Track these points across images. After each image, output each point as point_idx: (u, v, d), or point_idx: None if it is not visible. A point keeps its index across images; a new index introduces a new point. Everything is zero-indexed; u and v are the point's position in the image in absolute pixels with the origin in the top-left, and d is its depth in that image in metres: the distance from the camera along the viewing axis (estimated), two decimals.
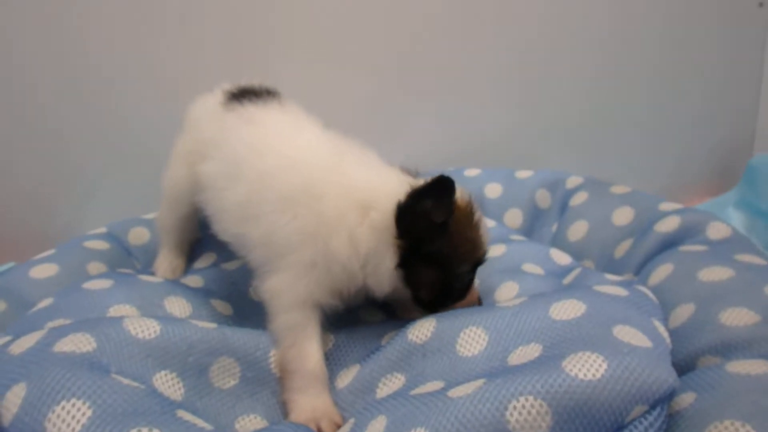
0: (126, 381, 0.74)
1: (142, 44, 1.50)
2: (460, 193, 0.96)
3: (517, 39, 1.75)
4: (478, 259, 0.99)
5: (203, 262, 1.31)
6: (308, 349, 0.93)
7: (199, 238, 1.37)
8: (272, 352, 0.94)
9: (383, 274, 0.94)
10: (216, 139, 1.10)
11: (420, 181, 0.94)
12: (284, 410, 0.91)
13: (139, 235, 1.41)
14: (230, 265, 1.24)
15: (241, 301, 1.17)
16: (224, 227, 1.07)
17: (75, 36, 1.46)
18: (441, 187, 0.89)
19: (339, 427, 0.87)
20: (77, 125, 1.53)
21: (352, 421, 0.84)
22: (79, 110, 1.52)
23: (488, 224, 1.35)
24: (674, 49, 1.88)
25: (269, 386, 0.93)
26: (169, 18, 1.50)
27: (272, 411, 0.92)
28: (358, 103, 1.64)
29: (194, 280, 1.22)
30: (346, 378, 0.95)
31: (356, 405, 0.90)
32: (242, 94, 1.15)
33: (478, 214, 0.98)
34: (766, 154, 1.84)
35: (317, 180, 0.96)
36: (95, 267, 1.24)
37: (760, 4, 1.90)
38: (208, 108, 1.18)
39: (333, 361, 0.99)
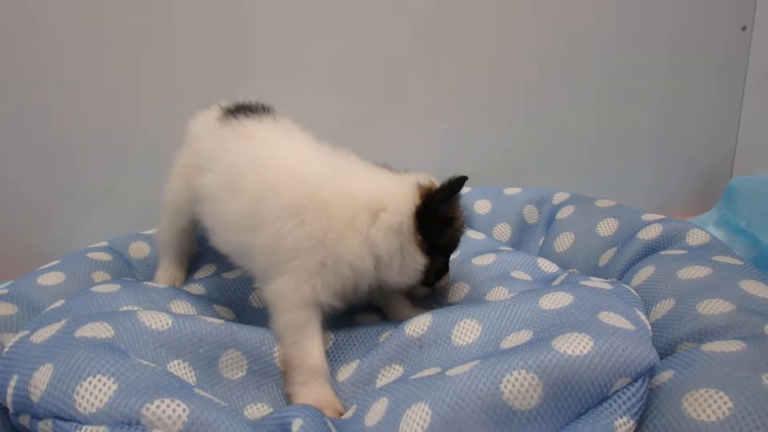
0: (146, 363, 0.78)
1: (143, 66, 1.56)
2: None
3: (506, 65, 1.81)
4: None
5: (203, 272, 1.35)
6: (310, 346, 0.98)
7: (197, 252, 1.41)
8: (276, 348, 0.99)
9: (411, 269, 1.03)
10: (214, 153, 1.14)
11: (421, 179, 1.03)
12: (288, 402, 0.96)
13: (139, 249, 1.43)
14: (230, 275, 1.28)
15: (242, 307, 1.21)
16: (225, 238, 1.11)
17: (75, 56, 1.51)
18: (455, 187, 0.99)
19: (341, 415, 0.91)
20: (76, 145, 1.57)
21: (354, 407, 0.89)
22: (77, 130, 1.57)
23: (478, 237, 1.42)
24: (657, 73, 1.93)
25: (274, 379, 0.98)
26: (170, 43, 1.55)
27: (278, 401, 0.96)
28: (347, 125, 1.69)
29: (196, 288, 1.26)
30: (346, 372, 1.00)
31: (357, 395, 0.95)
32: (238, 110, 1.20)
33: (460, 201, 1.08)
34: (744, 176, 1.91)
35: (321, 187, 1.01)
36: (100, 276, 1.26)
37: (743, 28, 1.96)
38: (205, 123, 1.23)
39: (333, 358, 1.04)
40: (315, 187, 1.01)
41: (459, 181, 0.98)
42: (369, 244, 0.99)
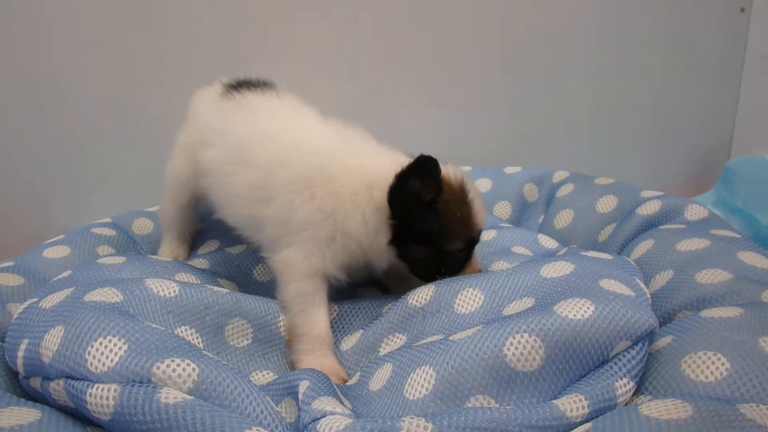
0: (155, 326, 0.80)
1: (144, 48, 1.56)
2: (453, 173, 1.02)
3: (506, 50, 1.82)
4: (471, 238, 1.04)
5: (207, 248, 1.37)
6: (316, 315, 1.00)
7: (200, 229, 1.43)
8: (280, 317, 1.01)
9: (380, 249, 1.02)
10: (218, 127, 1.15)
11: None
12: (293, 370, 0.97)
13: (142, 226, 1.45)
14: (234, 249, 1.29)
15: (246, 282, 1.23)
16: (233, 210, 1.13)
17: (78, 34, 1.51)
18: (425, 166, 0.96)
19: (345, 382, 0.93)
20: (76, 128, 1.58)
21: (358, 374, 0.91)
22: (78, 113, 1.57)
23: None
24: (656, 55, 1.94)
25: (278, 348, 1.00)
26: (172, 21, 1.56)
27: (283, 369, 0.98)
28: (350, 106, 1.67)
29: (200, 263, 1.27)
30: (350, 342, 1.02)
31: (360, 363, 0.97)
32: (241, 85, 1.22)
33: (472, 194, 1.03)
34: (742, 157, 1.92)
35: (330, 162, 1.02)
36: (104, 250, 1.28)
37: (742, 10, 1.97)
38: (208, 99, 1.24)
39: (337, 329, 1.06)
40: (323, 161, 1.02)
41: (424, 159, 0.95)
42: (365, 221, 1.00)
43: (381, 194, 0.99)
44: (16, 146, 1.55)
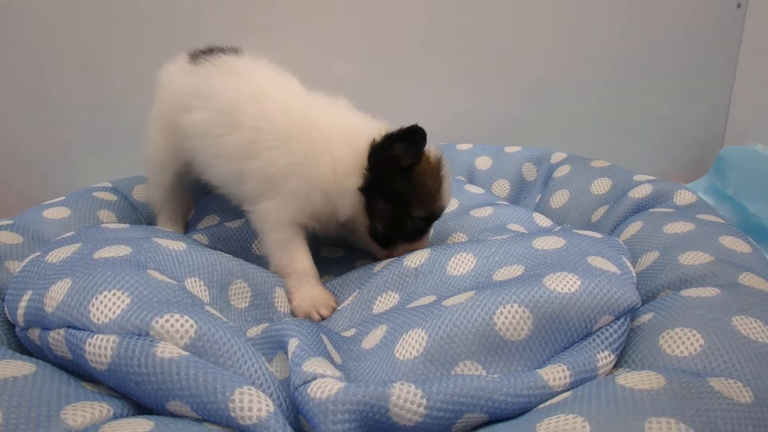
0: (161, 277, 0.82)
1: (139, 12, 1.59)
2: (433, 150, 1.10)
3: (511, 32, 1.84)
4: (433, 211, 1.12)
5: (205, 223, 1.38)
6: (297, 255, 1.09)
7: (197, 205, 1.45)
8: (276, 291, 1.06)
9: (348, 191, 1.08)
10: (198, 90, 1.17)
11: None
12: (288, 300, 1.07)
13: (142, 193, 1.44)
14: (233, 224, 1.31)
15: (244, 256, 1.22)
16: (222, 168, 1.16)
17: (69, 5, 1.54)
18: (416, 135, 1.03)
19: (334, 309, 1.04)
20: (73, 88, 1.61)
21: (353, 330, 0.94)
22: (76, 77, 1.60)
23: (476, 191, 1.45)
24: (653, 48, 1.96)
25: (270, 319, 1.03)
26: None
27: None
28: (349, 84, 1.67)
29: (199, 238, 1.28)
30: (346, 303, 1.06)
31: (354, 318, 1.01)
32: (212, 51, 1.24)
33: (445, 172, 1.11)
34: (734, 146, 1.95)
35: (310, 117, 1.10)
36: (105, 215, 1.28)
37: (738, 5, 1.99)
38: (175, 70, 1.26)
39: (335, 294, 1.11)
40: (305, 117, 1.10)
41: (417, 129, 1.02)
42: (335, 164, 1.07)
43: (361, 145, 1.06)
44: (15, 108, 1.56)
